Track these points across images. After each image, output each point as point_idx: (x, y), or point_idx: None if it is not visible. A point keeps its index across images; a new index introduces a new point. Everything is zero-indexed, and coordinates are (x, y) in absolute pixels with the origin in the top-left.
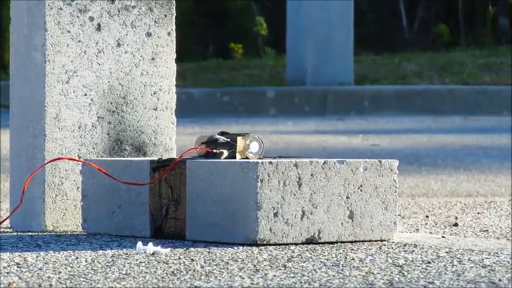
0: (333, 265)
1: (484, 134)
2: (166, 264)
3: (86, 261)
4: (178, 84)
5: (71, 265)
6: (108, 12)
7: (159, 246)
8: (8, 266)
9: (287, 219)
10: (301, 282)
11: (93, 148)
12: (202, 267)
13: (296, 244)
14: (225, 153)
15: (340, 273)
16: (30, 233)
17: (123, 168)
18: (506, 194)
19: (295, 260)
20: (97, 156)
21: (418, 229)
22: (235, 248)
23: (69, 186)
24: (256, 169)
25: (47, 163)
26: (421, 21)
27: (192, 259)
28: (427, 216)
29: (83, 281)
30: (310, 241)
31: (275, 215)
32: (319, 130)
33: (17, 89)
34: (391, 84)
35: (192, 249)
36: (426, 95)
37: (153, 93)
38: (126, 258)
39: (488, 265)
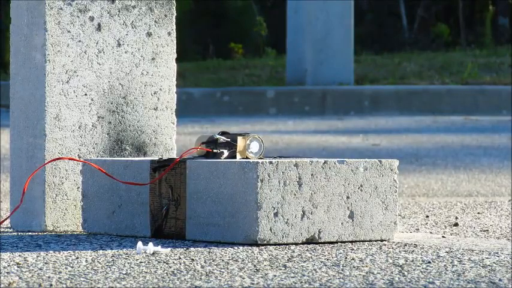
0: (333, 265)
1: (484, 133)
2: (167, 264)
3: (86, 261)
4: (178, 84)
5: (71, 265)
6: (108, 12)
7: (159, 246)
8: (8, 266)
9: (287, 219)
10: (301, 282)
11: (93, 148)
12: (202, 267)
13: (296, 244)
14: (225, 153)
15: (340, 273)
16: (30, 233)
17: (123, 168)
18: (506, 193)
19: (296, 260)
20: (97, 156)
21: (418, 229)
22: (236, 248)
23: (69, 186)
24: (256, 169)
25: (47, 163)
26: (421, 21)
27: (192, 259)
28: (427, 216)
29: (83, 280)
30: (310, 241)
31: (275, 214)
32: (319, 130)
33: (17, 89)
34: (391, 84)
35: (192, 249)
36: (426, 95)
37: (154, 93)
38: (126, 258)
39: (489, 265)
